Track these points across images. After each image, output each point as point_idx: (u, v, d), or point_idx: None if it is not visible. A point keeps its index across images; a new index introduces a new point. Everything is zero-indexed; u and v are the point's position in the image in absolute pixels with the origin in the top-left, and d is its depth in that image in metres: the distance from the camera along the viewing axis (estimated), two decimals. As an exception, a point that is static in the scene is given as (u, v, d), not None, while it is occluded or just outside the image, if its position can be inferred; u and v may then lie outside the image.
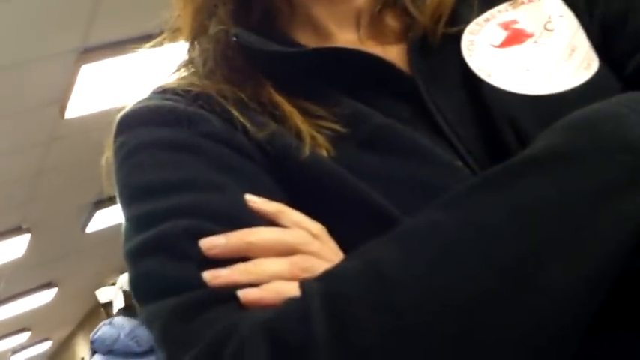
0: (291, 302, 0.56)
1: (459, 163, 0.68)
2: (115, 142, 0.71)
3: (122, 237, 0.67)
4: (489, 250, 0.53)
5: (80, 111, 4.23)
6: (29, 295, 8.44)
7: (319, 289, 0.55)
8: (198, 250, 0.60)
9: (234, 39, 0.75)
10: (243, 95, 0.72)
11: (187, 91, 0.73)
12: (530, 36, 0.72)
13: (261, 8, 0.78)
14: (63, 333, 12.56)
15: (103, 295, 4.60)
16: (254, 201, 0.64)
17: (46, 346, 13.00)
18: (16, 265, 6.99)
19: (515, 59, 0.71)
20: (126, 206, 0.68)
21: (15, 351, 11.98)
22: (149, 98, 0.74)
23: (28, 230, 6.26)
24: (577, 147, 0.56)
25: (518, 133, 0.67)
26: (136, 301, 0.64)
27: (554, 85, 0.69)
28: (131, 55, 3.65)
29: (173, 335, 0.59)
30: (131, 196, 0.68)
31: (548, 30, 0.72)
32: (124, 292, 4.37)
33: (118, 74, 3.87)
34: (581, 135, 0.56)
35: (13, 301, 8.34)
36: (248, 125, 0.69)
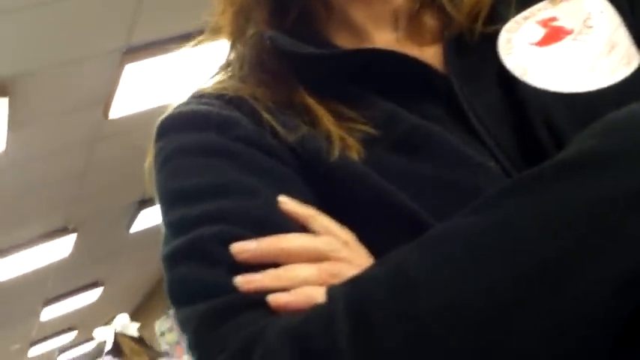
0: (316, 308, 0.57)
1: (492, 164, 0.67)
2: (154, 147, 0.74)
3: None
4: (515, 256, 0.53)
5: (124, 111, 4.26)
6: (75, 294, 8.55)
7: (344, 294, 0.56)
8: (229, 255, 0.61)
9: (269, 42, 0.76)
10: (276, 98, 0.73)
11: (222, 95, 0.74)
12: (569, 33, 0.71)
13: (298, 10, 0.78)
14: (108, 332, 12.72)
15: (100, 334, 4.84)
16: (286, 202, 0.65)
17: (91, 345, 13.16)
18: (62, 265, 7.08)
19: (553, 57, 0.70)
20: (163, 211, 0.70)
21: (62, 350, 12.14)
22: (186, 103, 0.76)
23: (74, 230, 6.34)
24: (609, 152, 0.54)
25: (553, 131, 0.66)
26: (172, 305, 0.66)
27: (592, 83, 0.67)
28: (174, 54, 3.66)
29: (204, 340, 0.61)
30: (167, 201, 0.70)
31: (588, 27, 0.71)
32: (116, 334, 4.53)
33: (162, 73, 3.89)
34: (615, 139, 0.55)
35: (59, 301, 8.46)
36: (279, 128, 0.70)
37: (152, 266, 8.07)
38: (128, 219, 6.63)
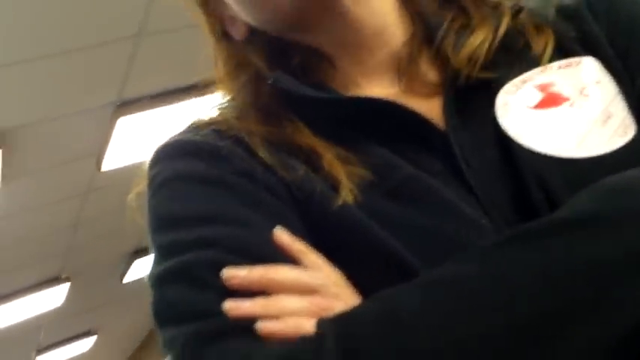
0: (305, 339, 0.57)
1: (484, 221, 0.67)
2: (150, 171, 0.74)
3: None
4: (509, 307, 0.53)
5: (116, 163, 4.27)
6: (69, 343, 8.47)
7: (335, 327, 0.57)
8: (219, 281, 0.61)
9: (270, 82, 0.76)
10: (273, 137, 0.74)
11: (221, 129, 0.75)
12: (566, 99, 0.71)
13: (298, 57, 0.79)
14: (102, 381, 12.57)
15: None
16: (281, 234, 0.65)
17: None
18: (55, 314, 7.03)
19: (549, 121, 0.70)
20: (155, 234, 0.70)
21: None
22: (185, 132, 0.76)
23: (67, 279, 6.29)
24: (606, 214, 0.55)
25: (548, 194, 0.66)
26: (157, 324, 0.66)
27: (587, 149, 0.68)
28: (166, 108, 3.69)
29: None
30: (160, 224, 0.70)
31: (585, 95, 0.71)
32: None
33: (154, 127, 3.90)
34: (612, 202, 0.56)
35: (52, 349, 8.37)
36: (277, 167, 0.70)
37: (145, 316, 8.01)
38: (122, 269, 6.59)
